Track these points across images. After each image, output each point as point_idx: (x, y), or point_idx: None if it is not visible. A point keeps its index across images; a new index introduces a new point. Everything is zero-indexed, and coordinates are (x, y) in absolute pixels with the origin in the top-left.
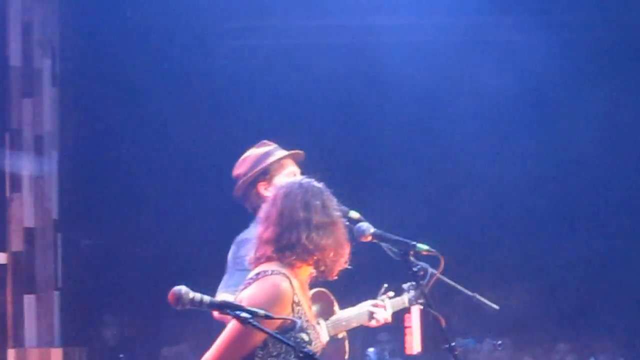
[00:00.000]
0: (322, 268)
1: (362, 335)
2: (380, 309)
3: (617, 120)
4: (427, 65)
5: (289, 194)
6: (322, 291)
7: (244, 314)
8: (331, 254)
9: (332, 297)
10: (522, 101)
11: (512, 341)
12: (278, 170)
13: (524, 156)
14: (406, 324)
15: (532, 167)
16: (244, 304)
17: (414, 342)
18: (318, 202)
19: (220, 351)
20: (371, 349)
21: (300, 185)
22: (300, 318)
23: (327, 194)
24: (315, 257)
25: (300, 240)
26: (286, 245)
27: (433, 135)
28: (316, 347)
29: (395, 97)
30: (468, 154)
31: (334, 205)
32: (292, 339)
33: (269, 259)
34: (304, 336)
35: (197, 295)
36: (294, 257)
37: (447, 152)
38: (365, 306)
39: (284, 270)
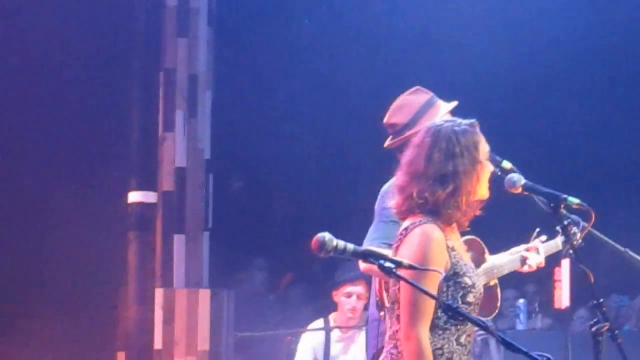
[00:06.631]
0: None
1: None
2: (532, 253)
3: None
4: None
5: (434, 142)
6: (472, 239)
7: (387, 264)
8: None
9: (483, 245)
10: None
11: None
12: None
13: None
14: (555, 278)
15: None
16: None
17: (563, 296)
18: (463, 149)
19: (412, 309)
20: (521, 300)
21: (445, 131)
22: (458, 262)
23: (474, 137)
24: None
25: (443, 199)
26: (430, 203)
27: None
28: (478, 290)
29: None
30: None
31: (481, 149)
32: (456, 284)
33: (413, 213)
34: (467, 280)
35: (341, 243)
36: (438, 215)
37: None
38: (517, 251)
39: (431, 219)
